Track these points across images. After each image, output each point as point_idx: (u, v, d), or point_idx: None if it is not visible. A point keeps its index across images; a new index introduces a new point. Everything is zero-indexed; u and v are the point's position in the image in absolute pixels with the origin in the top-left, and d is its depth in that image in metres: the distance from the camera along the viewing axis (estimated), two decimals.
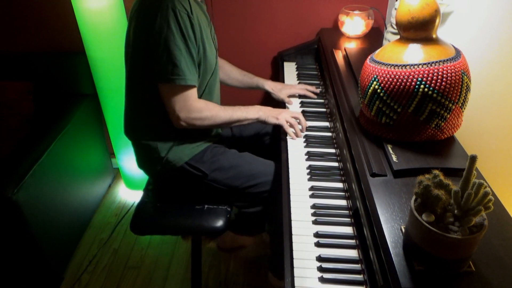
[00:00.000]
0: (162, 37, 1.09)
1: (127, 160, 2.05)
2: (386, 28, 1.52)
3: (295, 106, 1.53)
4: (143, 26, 1.12)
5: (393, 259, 0.74)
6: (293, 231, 1.00)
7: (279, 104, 1.59)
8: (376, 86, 0.99)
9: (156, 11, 1.08)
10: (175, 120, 1.22)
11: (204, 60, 1.23)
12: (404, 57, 0.96)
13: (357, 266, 0.92)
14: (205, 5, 1.27)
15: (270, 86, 1.59)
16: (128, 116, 1.33)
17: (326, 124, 1.42)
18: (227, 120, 1.29)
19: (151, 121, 1.27)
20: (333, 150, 1.29)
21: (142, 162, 1.38)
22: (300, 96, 1.59)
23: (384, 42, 1.50)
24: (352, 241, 0.98)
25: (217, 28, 1.34)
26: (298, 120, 1.37)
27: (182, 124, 1.23)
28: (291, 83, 1.68)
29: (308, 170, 1.20)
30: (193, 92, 1.20)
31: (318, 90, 1.59)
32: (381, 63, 1.00)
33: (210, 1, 1.30)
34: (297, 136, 1.34)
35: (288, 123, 1.35)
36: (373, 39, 1.70)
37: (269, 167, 1.37)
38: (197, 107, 1.21)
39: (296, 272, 0.90)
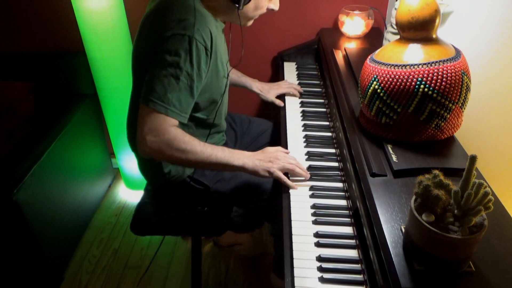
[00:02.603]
0: (165, 60, 1.01)
1: (127, 160, 2.05)
2: (386, 28, 1.51)
3: (295, 106, 1.53)
4: (153, 44, 1.04)
5: (393, 259, 0.74)
6: (293, 231, 1.00)
7: (269, 105, 1.58)
8: (376, 86, 0.99)
9: (171, 34, 1.01)
10: (140, 143, 1.05)
11: (212, 85, 1.16)
12: (404, 57, 0.96)
13: (357, 266, 0.92)
14: (223, 24, 1.21)
15: (257, 87, 1.58)
16: (131, 129, 1.27)
17: (326, 123, 1.42)
18: (204, 159, 1.08)
19: None
20: (333, 150, 1.29)
21: (144, 172, 1.36)
22: (300, 96, 1.59)
23: (384, 42, 1.50)
24: (352, 241, 0.98)
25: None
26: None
27: (147, 150, 1.05)
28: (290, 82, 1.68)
29: (308, 170, 1.20)
30: (171, 121, 1.05)
31: (302, 90, 1.60)
32: (381, 63, 1.00)
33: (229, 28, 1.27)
34: (303, 177, 1.16)
35: (284, 171, 1.15)
36: (373, 39, 1.70)
37: None
38: (170, 134, 1.04)
39: (296, 272, 0.90)
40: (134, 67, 1.18)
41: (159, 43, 1.03)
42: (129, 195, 2.21)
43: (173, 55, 1.01)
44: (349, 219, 1.03)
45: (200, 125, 1.25)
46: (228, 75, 1.23)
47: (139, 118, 1.06)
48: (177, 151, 1.05)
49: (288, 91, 1.58)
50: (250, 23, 1.20)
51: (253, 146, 1.56)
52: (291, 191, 1.13)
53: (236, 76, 1.60)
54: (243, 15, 1.13)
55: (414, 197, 0.72)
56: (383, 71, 0.98)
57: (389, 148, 1.00)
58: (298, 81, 1.70)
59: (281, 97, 1.59)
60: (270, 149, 1.19)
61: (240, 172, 1.28)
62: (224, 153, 1.11)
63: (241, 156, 1.13)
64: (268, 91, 1.57)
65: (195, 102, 1.13)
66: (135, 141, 1.26)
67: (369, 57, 1.08)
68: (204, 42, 1.03)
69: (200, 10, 1.06)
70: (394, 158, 0.96)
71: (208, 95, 1.17)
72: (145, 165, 1.35)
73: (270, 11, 1.19)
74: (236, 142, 1.55)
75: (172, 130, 1.05)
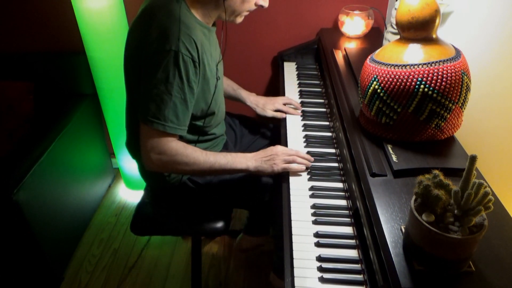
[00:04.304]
0: (155, 78, 1.01)
1: (127, 160, 2.05)
2: (386, 28, 1.51)
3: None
4: (139, 58, 1.04)
5: (393, 259, 0.74)
6: (293, 231, 1.00)
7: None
8: (376, 86, 0.99)
9: (156, 49, 1.00)
10: (146, 161, 1.09)
11: (207, 94, 1.17)
12: (404, 57, 0.96)
13: (357, 266, 0.92)
14: (215, 27, 1.20)
15: (252, 101, 1.52)
16: (129, 134, 1.28)
17: (326, 123, 1.42)
18: (208, 168, 1.13)
19: None
20: (333, 150, 1.29)
21: (144, 176, 1.36)
22: (300, 96, 1.59)
23: (384, 42, 1.50)
24: (352, 241, 0.98)
25: (217, 29, 1.33)
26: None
27: (153, 166, 1.10)
28: (291, 83, 1.68)
29: (308, 170, 1.20)
30: (171, 136, 1.08)
31: (300, 107, 1.50)
32: (381, 63, 1.00)
33: (222, 27, 1.21)
34: (305, 165, 1.19)
35: (286, 163, 1.19)
36: (373, 39, 1.70)
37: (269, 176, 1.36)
38: (172, 150, 1.07)
39: (296, 272, 0.90)
40: (125, 74, 1.17)
41: (146, 58, 1.02)
42: (129, 195, 2.21)
43: (162, 72, 1.01)
44: (349, 219, 1.03)
45: (197, 132, 1.25)
46: (217, 79, 1.20)
47: (141, 137, 1.08)
48: (180, 164, 1.10)
49: (283, 108, 1.48)
50: (239, 19, 1.17)
51: (253, 147, 1.56)
52: (291, 191, 1.13)
53: (232, 89, 1.55)
54: (229, 9, 1.11)
55: (414, 197, 0.72)
56: (383, 71, 0.98)
57: (389, 148, 1.00)
58: (298, 81, 1.70)
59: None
60: (269, 148, 1.22)
61: (240, 174, 1.29)
62: (227, 159, 1.15)
63: (243, 160, 1.17)
64: (264, 105, 1.51)
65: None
66: (134, 147, 1.27)
67: (369, 57, 1.08)
68: (190, 54, 1.02)
69: (184, 20, 1.04)
70: (394, 158, 0.96)
71: (200, 105, 1.16)
72: (145, 169, 1.34)
73: (259, 7, 1.16)
74: (236, 142, 1.55)
75: (173, 146, 1.08)
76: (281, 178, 1.20)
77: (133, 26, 1.11)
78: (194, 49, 1.04)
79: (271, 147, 1.22)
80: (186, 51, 1.01)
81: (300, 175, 1.19)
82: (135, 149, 1.31)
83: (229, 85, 1.56)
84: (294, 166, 1.18)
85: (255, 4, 1.15)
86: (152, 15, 1.04)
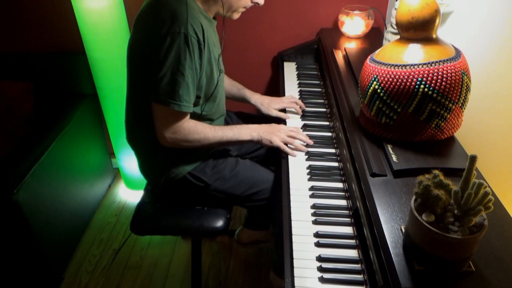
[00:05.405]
0: (168, 60, 1.06)
1: (127, 160, 2.05)
2: (386, 28, 1.52)
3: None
4: (149, 41, 1.08)
5: (393, 259, 0.74)
6: (293, 231, 1.00)
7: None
8: (376, 86, 0.99)
9: (167, 31, 1.04)
10: (161, 139, 1.19)
11: (210, 80, 1.20)
12: (404, 57, 0.96)
13: (357, 266, 0.92)
14: (216, 21, 1.24)
15: (257, 100, 1.54)
16: (130, 126, 1.30)
17: (326, 123, 1.42)
18: (216, 142, 1.24)
19: (153, 133, 1.22)
20: (333, 150, 1.29)
21: (144, 172, 1.37)
22: (300, 96, 1.59)
23: (384, 42, 1.50)
24: (352, 241, 0.98)
25: (217, 29, 1.33)
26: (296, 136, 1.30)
27: (167, 144, 1.19)
28: (291, 83, 1.68)
29: (308, 170, 1.20)
30: (185, 115, 1.17)
31: (304, 106, 1.51)
32: (381, 63, 1.00)
33: (223, 21, 1.25)
34: (300, 150, 1.27)
35: (285, 143, 1.28)
36: (373, 39, 1.70)
37: (269, 174, 1.36)
38: (185, 130, 1.17)
39: (296, 272, 0.90)
40: (129, 63, 1.20)
41: (157, 41, 1.06)
42: (129, 195, 2.21)
43: (173, 54, 1.06)
44: (349, 219, 1.03)
45: (195, 119, 1.26)
46: (221, 70, 1.26)
47: (155, 118, 1.15)
48: (192, 142, 1.20)
49: (290, 106, 1.51)
50: (236, 15, 1.23)
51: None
52: (291, 191, 1.13)
53: (236, 88, 1.57)
54: (227, 4, 1.17)
55: (414, 197, 0.72)
56: (383, 71, 0.98)
57: (389, 148, 1.00)
58: (298, 81, 1.70)
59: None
60: (274, 124, 1.33)
61: (239, 171, 1.32)
62: (233, 132, 1.26)
63: (248, 131, 1.28)
64: (269, 104, 1.52)
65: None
66: (136, 141, 1.27)
67: (369, 57, 1.08)
68: (197, 36, 1.08)
69: (190, 3, 1.10)
70: (394, 158, 0.96)
71: (203, 90, 1.20)
72: (145, 165, 1.35)
73: (255, 4, 1.22)
74: None
75: (186, 125, 1.17)
76: (281, 178, 1.20)
77: (141, 15, 1.15)
78: (200, 31, 1.09)
79: (276, 124, 1.33)
80: (193, 33, 1.07)
81: (300, 173, 1.19)
82: (136, 143, 1.32)
83: (233, 85, 1.57)
84: (288, 150, 1.26)
85: (251, 1, 1.20)
86: (160, 1, 1.10)
